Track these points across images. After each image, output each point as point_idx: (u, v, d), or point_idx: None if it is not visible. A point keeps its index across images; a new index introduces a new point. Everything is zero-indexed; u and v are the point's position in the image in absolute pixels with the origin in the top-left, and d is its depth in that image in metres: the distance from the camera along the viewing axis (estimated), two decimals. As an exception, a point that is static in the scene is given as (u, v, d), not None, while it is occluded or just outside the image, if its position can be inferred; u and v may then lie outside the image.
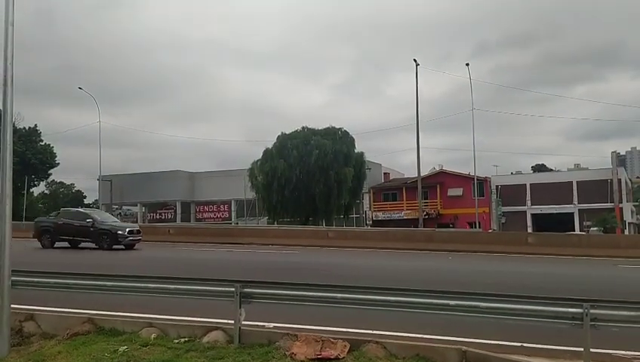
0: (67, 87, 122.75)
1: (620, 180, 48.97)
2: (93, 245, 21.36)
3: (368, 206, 53.25)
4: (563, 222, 46.03)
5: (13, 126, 7.26)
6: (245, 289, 6.55)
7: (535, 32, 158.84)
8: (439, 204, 50.43)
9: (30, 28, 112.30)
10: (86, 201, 78.15)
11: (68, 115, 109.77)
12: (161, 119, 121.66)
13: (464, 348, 5.78)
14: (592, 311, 5.47)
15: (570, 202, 48.95)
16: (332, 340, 6.05)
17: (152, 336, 6.56)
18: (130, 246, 21.40)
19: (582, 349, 5.53)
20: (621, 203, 48.64)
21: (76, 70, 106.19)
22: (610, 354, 5.98)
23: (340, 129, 45.69)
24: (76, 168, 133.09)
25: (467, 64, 40.83)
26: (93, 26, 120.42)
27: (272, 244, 23.64)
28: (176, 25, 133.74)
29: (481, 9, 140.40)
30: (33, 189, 62.80)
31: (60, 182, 76.69)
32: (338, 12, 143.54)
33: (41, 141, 59.20)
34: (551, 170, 71.67)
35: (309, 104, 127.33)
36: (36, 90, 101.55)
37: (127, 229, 22.20)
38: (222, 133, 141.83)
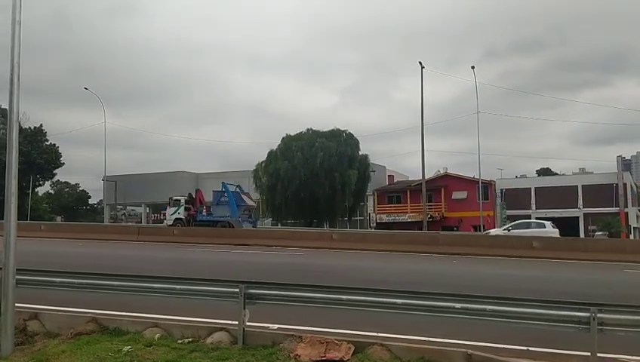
0: (79, 88, 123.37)
1: (625, 185, 48.81)
2: None
3: (372, 208, 53.19)
4: (568, 227, 45.81)
5: (19, 125, 7.24)
6: (250, 290, 6.53)
7: (543, 38, 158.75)
8: (444, 207, 50.33)
9: (45, 29, 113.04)
10: (91, 201, 78.60)
11: (79, 116, 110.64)
12: (171, 121, 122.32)
13: (469, 351, 5.74)
14: (599, 315, 5.44)
15: (575, 206, 48.76)
16: (336, 342, 6.01)
17: (156, 336, 6.55)
18: None
19: (589, 354, 5.48)
20: (626, 207, 48.45)
21: (88, 72, 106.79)
22: (618, 358, 5.89)
23: (344, 131, 45.67)
24: (83, 169, 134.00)
25: (472, 67, 41.04)
26: (107, 29, 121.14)
27: (277, 246, 23.57)
28: (187, 29, 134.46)
29: (490, 15, 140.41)
30: (38, 189, 63.14)
31: (65, 182, 77.05)
32: (347, 17, 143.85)
33: (47, 141, 59.48)
34: (556, 173, 71.35)
35: (316, 107, 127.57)
36: (47, 91, 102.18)
37: None
38: (231, 135, 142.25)
